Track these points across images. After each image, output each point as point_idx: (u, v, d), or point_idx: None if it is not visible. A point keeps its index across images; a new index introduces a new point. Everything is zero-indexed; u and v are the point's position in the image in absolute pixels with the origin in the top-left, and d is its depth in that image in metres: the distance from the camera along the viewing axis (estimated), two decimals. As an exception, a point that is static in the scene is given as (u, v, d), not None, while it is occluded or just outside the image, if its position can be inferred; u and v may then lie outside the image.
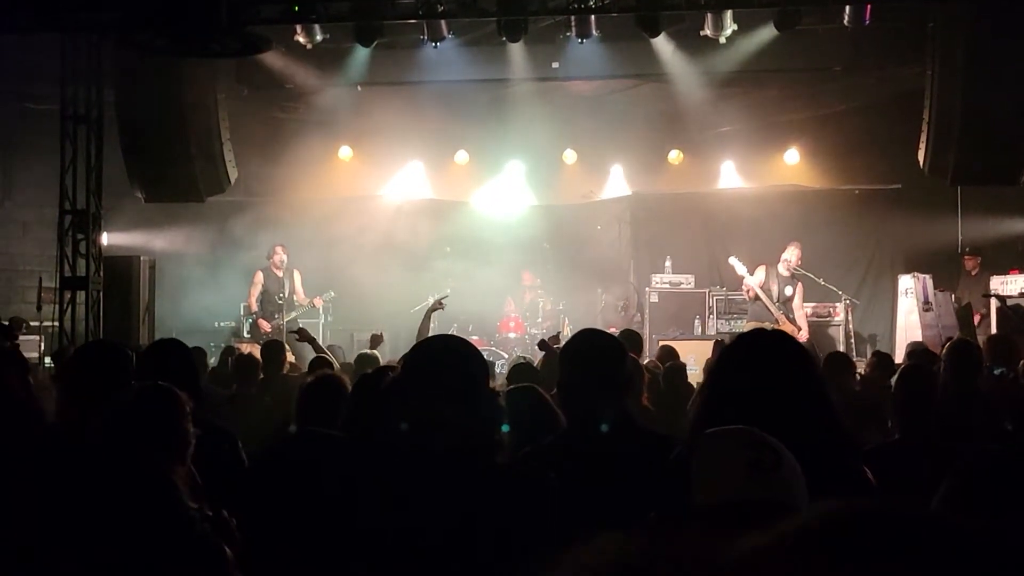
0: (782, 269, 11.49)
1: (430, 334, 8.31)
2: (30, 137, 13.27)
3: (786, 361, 2.44)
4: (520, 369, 5.82)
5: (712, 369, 2.54)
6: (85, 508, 2.05)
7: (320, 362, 6.76)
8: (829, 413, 2.43)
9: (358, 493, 2.44)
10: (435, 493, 2.30)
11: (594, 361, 2.98)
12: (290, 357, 8.38)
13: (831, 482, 2.08)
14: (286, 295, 12.33)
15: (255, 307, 12.42)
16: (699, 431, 1.77)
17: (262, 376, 6.96)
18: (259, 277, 12.52)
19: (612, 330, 7.57)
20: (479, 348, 2.58)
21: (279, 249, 12.49)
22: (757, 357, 2.46)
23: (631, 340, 6.80)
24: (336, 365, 6.79)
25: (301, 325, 9.89)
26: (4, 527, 2.05)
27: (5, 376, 3.13)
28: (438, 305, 8.28)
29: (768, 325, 10.49)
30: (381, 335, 8.62)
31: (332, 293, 12.82)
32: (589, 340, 3.14)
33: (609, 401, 2.93)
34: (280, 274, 12.45)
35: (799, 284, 11.57)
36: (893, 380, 5.90)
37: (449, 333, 9.91)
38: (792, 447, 1.60)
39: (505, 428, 3.16)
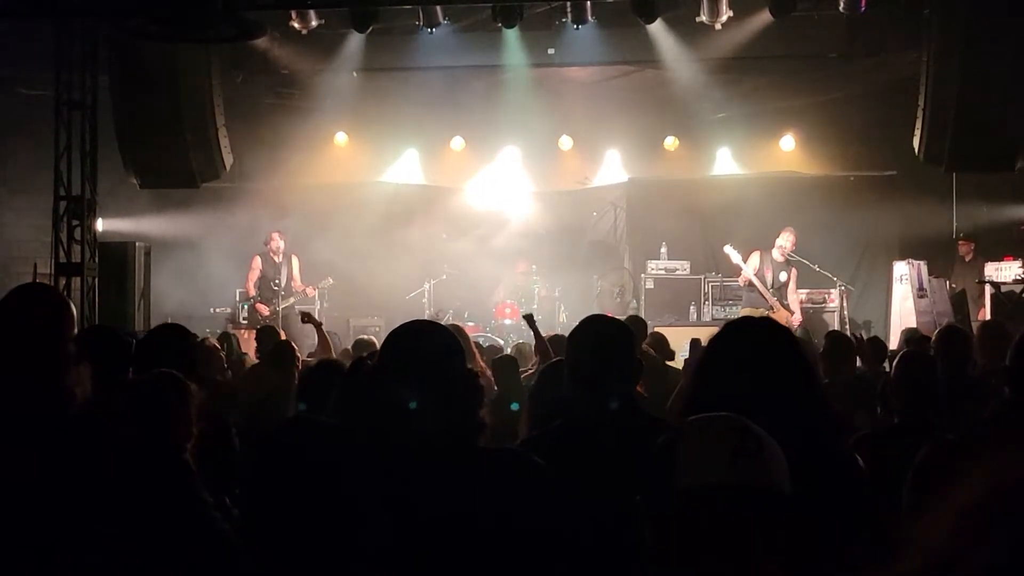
0: (776, 255, 11.52)
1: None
2: (24, 123, 13.22)
3: (772, 346, 2.46)
4: (502, 363, 5.87)
5: (700, 356, 2.56)
6: (105, 491, 2.05)
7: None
8: (817, 398, 2.45)
9: (343, 484, 2.44)
10: (413, 482, 2.29)
11: (605, 347, 2.99)
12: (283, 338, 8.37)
13: (818, 467, 2.10)
14: (283, 282, 12.33)
15: (253, 292, 12.42)
16: (685, 417, 1.80)
17: (256, 361, 6.97)
18: (257, 263, 12.51)
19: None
20: (474, 335, 2.58)
21: (275, 235, 12.49)
22: (743, 343, 2.48)
23: (637, 327, 6.79)
24: (332, 350, 6.78)
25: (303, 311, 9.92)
26: (31, 502, 2.05)
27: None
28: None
29: (762, 311, 10.55)
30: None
31: (330, 280, 12.81)
32: (600, 325, 3.14)
33: (618, 386, 2.93)
34: (278, 260, 12.45)
35: (793, 270, 11.61)
36: (887, 365, 5.94)
37: (424, 319, 9.88)
38: (779, 433, 1.62)
39: (515, 406, 3.15)
